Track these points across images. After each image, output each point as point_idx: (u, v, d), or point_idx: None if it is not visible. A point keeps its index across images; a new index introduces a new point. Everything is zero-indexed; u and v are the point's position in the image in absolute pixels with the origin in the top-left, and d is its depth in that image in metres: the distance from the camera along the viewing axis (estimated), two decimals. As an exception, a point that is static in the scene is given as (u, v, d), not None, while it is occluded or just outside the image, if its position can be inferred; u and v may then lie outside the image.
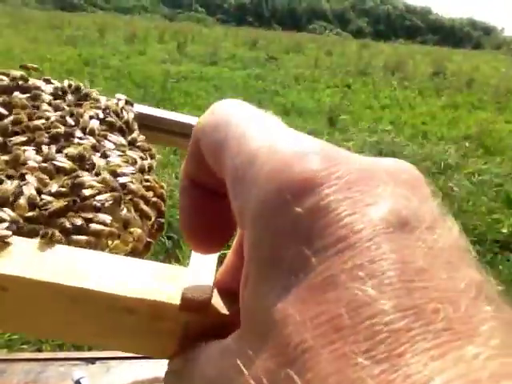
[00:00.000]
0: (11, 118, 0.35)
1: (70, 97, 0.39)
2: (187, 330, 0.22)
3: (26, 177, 0.31)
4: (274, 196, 0.15)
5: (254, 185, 0.15)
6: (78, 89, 0.41)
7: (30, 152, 0.33)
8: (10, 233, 0.25)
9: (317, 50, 11.46)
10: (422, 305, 0.12)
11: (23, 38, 9.48)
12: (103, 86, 5.85)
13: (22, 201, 0.29)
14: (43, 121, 0.35)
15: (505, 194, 3.27)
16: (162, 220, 0.36)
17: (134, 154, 0.37)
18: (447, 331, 0.12)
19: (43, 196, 0.30)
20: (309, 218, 0.14)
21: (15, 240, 0.25)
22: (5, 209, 0.28)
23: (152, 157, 0.39)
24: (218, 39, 11.88)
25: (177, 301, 0.21)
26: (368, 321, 0.12)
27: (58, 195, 0.30)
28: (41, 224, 0.28)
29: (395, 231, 0.13)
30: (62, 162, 0.32)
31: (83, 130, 0.36)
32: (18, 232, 0.27)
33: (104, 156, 0.35)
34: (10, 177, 0.31)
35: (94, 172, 0.33)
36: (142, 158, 0.37)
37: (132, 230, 0.32)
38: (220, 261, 0.24)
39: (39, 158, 0.32)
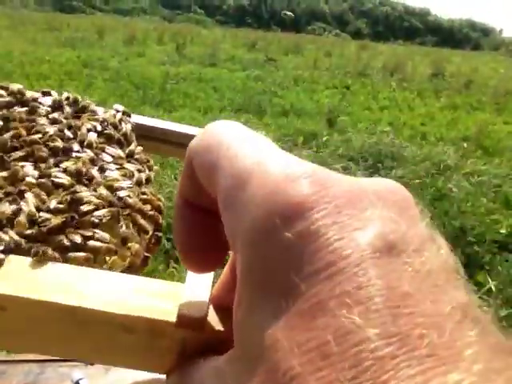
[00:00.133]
0: (10, 132, 0.35)
1: (67, 109, 0.39)
2: (184, 347, 0.22)
3: (25, 195, 0.31)
4: (264, 220, 0.15)
5: (245, 208, 0.16)
6: (75, 101, 0.41)
7: (28, 167, 0.33)
8: (3, 256, 0.25)
9: (316, 52, 11.48)
10: (407, 331, 0.12)
11: (22, 39, 9.48)
12: (102, 87, 5.86)
13: (22, 218, 0.29)
14: (40, 135, 0.35)
15: (503, 195, 3.27)
16: (160, 234, 0.36)
17: (131, 167, 0.37)
18: (431, 357, 0.12)
19: (41, 213, 0.30)
20: (299, 243, 0.14)
21: (13, 259, 0.25)
22: (6, 229, 0.28)
23: (150, 168, 0.39)
24: (216, 41, 11.88)
25: (173, 318, 0.22)
26: (354, 348, 0.12)
27: (56, 211, 0.30)
28: (39, 241, 0.28)
29: (382, 256, 0.14)
30: (61, 177, 0.32)
31: (81, 143, 0.36)
32: (18, 250, 0.27)
33: (102, 170, 0.35)
34: (8, 194, 0.31)
35: (92, 187, 0.33)
36: (139, 171, 0.37)
37: (130, 245, 0.32)
38: (217, 274, 0.24)
39: (37, 174, 0.33)
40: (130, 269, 0.32)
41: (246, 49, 12.55)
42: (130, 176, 0.36)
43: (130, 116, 0.43)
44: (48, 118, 0.38)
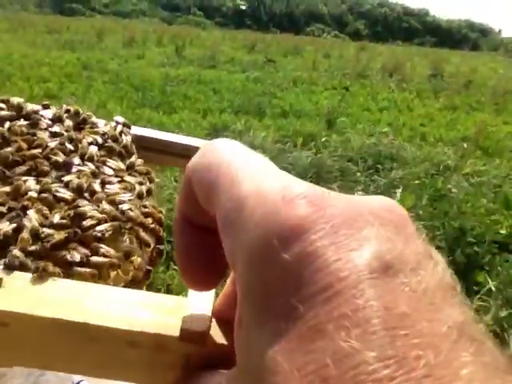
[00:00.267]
0: (11, 146, 0.35)
1: (68, 122, 0.40)
2: (188, 361, 0.22)
3: (28, 212, 0.31)
4: (262, 241, 0.15)
5: (244, 230, 0.16)
6: (76, 114, 0.41)
7: (30, 182, 0.33)
8: (1, 276, 0.25)
9: (315, 53, 11.48)
10: (404, 352, 0.12)
11: (22, 42, 9.49)
12: (102, 89, 5.86)
13: (25, 234, 0.29)
14: (40, 150, 0.35)
15: (503, 196, 3.27)
16: (161, 247, 0.36)
17: (132, 180, 0.37)
18: (428, 378, 0.12)
19: (44, 229, 0.30)
20: (296, 265, 0.14)
21: (15, 275, 0.25)
22: (10, 246, 0.29)
23: (151, 180, 0.40)
24: (216, 43, 11.89)
25: (177, 333, 0.22)
26: (352, 371, 0.12)
27: (59, 227, 0.30)
28: (43, 257, 0.28)
29: (379, 276, 0.14)
30: (63, 192, 0.33)
31: (82, 156, 0.36)
32: (22, 267, 0.27)
33: (103, 183, 0.35)
34: (11, 209, 0.31)
35: (94, 200, 0.33)
36: (140, 183, 0.37)
37: (132, 259, 0.32)
38: (220, 285, 0.25)
39: (40, 188, 0.33)
40: (133, 282, 0.32)
41: (246, 50, 12.56)
42: (131, 189, 0.36)
43: (130, 128, 0.43)
44: (49, 131, 0.38)
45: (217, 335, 0.23)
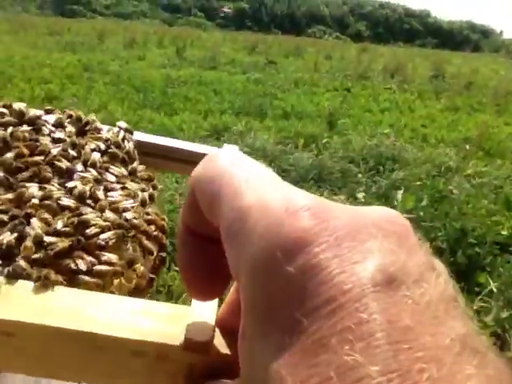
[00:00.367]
0: (13, 152, 0.35)
1: (71, 127, 0.39)
2: (191, 370, 0.22)
3: (31, 220, 0.31)
4: (266, 254, 0.15)
5: (247, 241, 0.16)
6: (79, 119, 0.41)
7: (33, 188, 0.33)
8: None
9: (316, 54, 11.48)
10: (408, 366, 0.12)
11: (23, 44, 9.51)
12: (103, 91, 5.87)
13: (29, 242, 0.29)
14: (43, 157, 0.35)
15: (504, 197, 3.27)
16: (164, 254, 0.36)
17: (134, 186, 0.37)
18: None
19: (47, 238, 0.30)
20: (300, 278, 0.14)
21: (19, 284, 0.25)
22: (14, 255, 0.29)
23: (154, 187, 0.40)
24: (217, 44, 11.91)
25: (180, 342, 0.22)
26: None
27: (62, 234, 0.30)
28: (47, 265, 0.28)
29: (382, 289, 0.14)
30: (66, 200, 0.33)
31: (85, 162, 0.36)
32: (25, 276, 0.27)
33: (106, 190, 0.35)
34: (14, 217, 0.31)
35: (97, 208, 0.33)
36: (142, 190, 0.37)
37: (135, 266, 0.32)
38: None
39: (43, 195, 0.33)
40: (136, 290, 0.32)
41: (247, 52, 12.57)
42: (134, 196, 0.36)
43: (132, 133, 0.43)
44: (51, 136, 0.38)
45: (220, 345, 0.23)
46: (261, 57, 11.00)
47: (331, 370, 0.13)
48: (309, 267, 0.14)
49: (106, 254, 0.31)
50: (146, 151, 0.43)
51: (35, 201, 0.32)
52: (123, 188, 0.36)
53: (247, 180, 0.18)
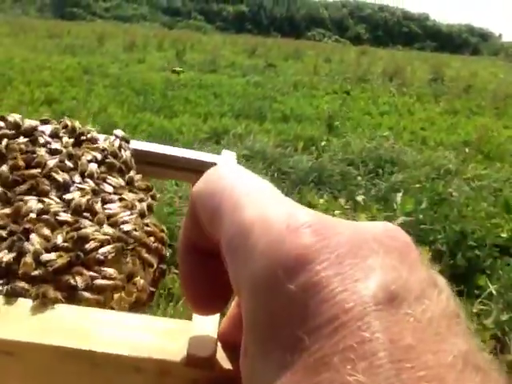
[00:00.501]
0: (8, 164, 0.35)
1: (67, 138, 0.39)
2: None
3: (30, 236, 0.31)
4: (267, 271, 0.15)
5: (249, 258, 0.16)
6: (74, 129, 0.40)
7: (31, 202, 0.33)
8: None
9: (315, 57, 11.52)
10: None
11: (23, 47, 9.52)
12: (102, 94, 5.87)
13: (29, 259, 0.29)
14: (39, 169, 0.35)
15: (504, 199, 3.27)
16: (164, 266, 0.36)
17: (132, 197, 0.37)
18: None
19: (46, 255, 0.30)
20: (302, 296, 0.14)
21: (18, 302, 0.25)
22: (12, 272, 0.28)
23: (153, 196, 0.40)
24: (217, 47, 11.93)
25: (183, 358, 0.22)
26: None
27: (62, 249, 0.30)
28: (46, 281, 0.28)
29: (384, 308, 0.14)
30: (64, 215, 0.32)
31: (82, 173, 0.36)
32: (23, 293, 0.27)
33: (104, 201, 0.35)
34: (12, 233, 0.31)
35: (95, 221, 0.33)
36: (140, 200, 0.37)
37: (135, 280, 0.32)
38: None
39: (41, 208, 0.32)
40: (137, 304, 0.32)
41: (246, 55, 12.59)
42: (132, 207, 0.36)
43: (128, 142, 0.43)
44: (48, 147, 0.37)
45: (223, 359, 0.22)
46: (260, 60, 11.02)
47: None
48: (310, 285, 0.14)
49: (105, 268, 0.30)
50: (143, 159, 0.43)
51: (33, 215, 0.32)
52: (121, 199, 0.36)
53: (248, 194, 0.18)
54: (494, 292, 2.21)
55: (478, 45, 42.76)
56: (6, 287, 0.27)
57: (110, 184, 0.37)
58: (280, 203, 0.17)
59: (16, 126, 0.38)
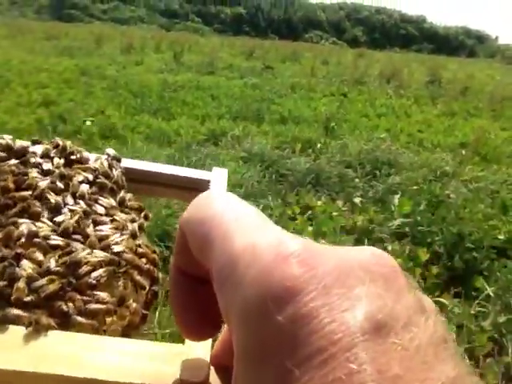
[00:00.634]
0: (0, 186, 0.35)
1: (58, 158, 0.39)
2: None
3: (21, 262, 0.30)
4: (257, 303, 0.15)
5: (239, 288, 0.16)
6: (65, 149, 0.40)
7: (23, 226, 0.33)
8: None
9: (313, 59, 11.52)
10: None
11: (21, 48, 9.51)
12: (100, 96, 5.87)
13: (21, 284, 0.29)
14: (30, 191, 0.35)
15: (501, 201, 3.28)
16: (156, 288, 0.36)
17: (124, 217, 0.37)
18: None
19: (36, 282, 0.30)
20: (291, 327, 0.14)
21: (11, 329, 0.25)
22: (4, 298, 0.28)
23: (146, 216, 0.40)
24: (214, 49, 11.93)
25: (176, 383, 0.22)
26: None
27: (54, 274, 0.30)
28: (39, 307, 0.28)
29: (371, 338, 0.14)
30: (56, 239, 0.32)
31: (73, 194, 0.36)
32: (16, 321, 0.27)
33: (95, 223, 0.35)
34: (3, 259, 0.30)
35: (87, 244, 0.33)
36: (132, 221, 0.37)
37: (128, 303, 0.32)
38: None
39: (33, 231, 0.32)
40: (130, 327, 0.32)
41: (244, 57, 12.60)
42: (123, 228, 0.36)
43: (120, 161, 0.43)
44: (39, 168, 0.37)
45: (216, 382, 0.22)
46: (258, 62, 11.03)
47: None
48: (299, 316, 0.14)
49: (98, 292, 0.31)
50: (134, 177, 0.44)
51: (25, 239, 0.32)
52: (112, 220, 0.36)
53: (237, 221, 0.18)
54: (491, 294, 2.21)
55: (474, 47, 42.90)
56: None
57: (102, 205, 0.37)
58: (269, 231, 0.17)
59: (7, 148, 0.38)
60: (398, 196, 3.25)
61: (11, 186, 0.35)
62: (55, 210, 0.34)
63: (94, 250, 0.32)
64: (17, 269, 0.30)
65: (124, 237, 0.35)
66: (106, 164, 0.41)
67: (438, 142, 5.14)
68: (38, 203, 0.34)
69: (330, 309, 0.14)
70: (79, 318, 0.29)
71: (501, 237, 2.77)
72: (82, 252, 0.32)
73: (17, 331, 0.25)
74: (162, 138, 4.38)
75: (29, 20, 22.69)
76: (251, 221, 0.18)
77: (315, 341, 0.14)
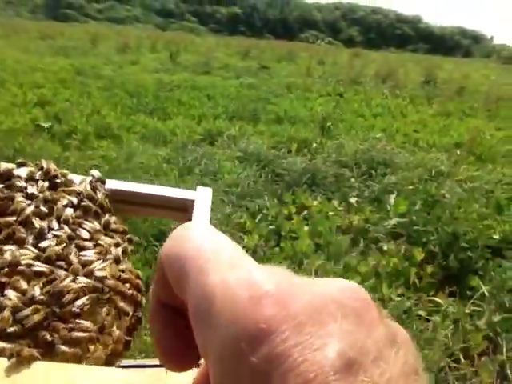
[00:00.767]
0: None
1: (42, 182, 0.39)
2: None
3: (5, 292, 0.30)
4: (232, 344, 0.16)
5: (214, 328, 0.16)
6: (49, 172, 0.40)
7: (7, 253, 0.33)
8: None
9: (309, 59, 11.52)
10: None
11: (15, 48, 9.47)
12: (96, 95, 5.85)
13: (6, 313, 0.29)
14: (15, 217, 0.35)
15: (495, 201, 3.29)
16: (140, 314, 0.36)
17: (108, 241, 0.37)
18: None
19: (21, 313, 0.29)
20: (265, 367, 0.15)
21: None
22: None
23: (130, 240, 0.40)
24: (210, 49, 11.92)
25: None
26: None
27: (39, 303, 0.30)
28: (23, 337, 0.28)
29: (342, 376, 0.14)
30: (40, 266, 0.32)
31: (58, 218, 0.36)
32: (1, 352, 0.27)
33: (79, 248, 0.35)
34: None
35: (70, 271, 0.33)
36: (116, 245, 0.37)
37: (111, 330, 0.32)
38: None
39: (17, 259, 0.32)
40: (113, 355, 0.32)
41: (240, 57, 12.60)
42: (108, 252, 0.36)
43: (104, 183, 0.43)
44: (24, 192, 0.38)
45: None
46: (254, 62, 11.04)
47: None
48: (274, 357, 0.15)
49: (81, 321, 0.31)
50: (120, 198, 0.44)
51: (9, 268, 0.32)
52: (96, 245, 0.36)
53: (213, 257, 0.18)
54: (486, 293, 2.22)
55: (470, 47, 43.04)
56: None
57: (86, 229, 0.37)
58: (243, 268, 0.18)
59: None
60: (393, 196, 3.26)
61: None
62: (40, 235, 0.35)
63: (78, 277, 0.32)
64: (1, 298, 0.30)
65: (107, 262, 0.35)
66: (89, 187, 0.41)
67: (434, 141, 5.16)
68: (22, 229, 0.34)
69: (302, 348, 0.15)
70: (63, 347, 0.29)
71: (495, 236, 2.78)
72: (65, 279, 0.32)
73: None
74: (157, 138, 4.38)
75: (24, 19, 22.59)
76: (227, 255, 0.18)
77: (289, 380, 0.14)
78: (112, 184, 0.44)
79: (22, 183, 0.38)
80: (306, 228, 2.72)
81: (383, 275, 2.30)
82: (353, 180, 3.62)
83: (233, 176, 3.45)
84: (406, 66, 12.41)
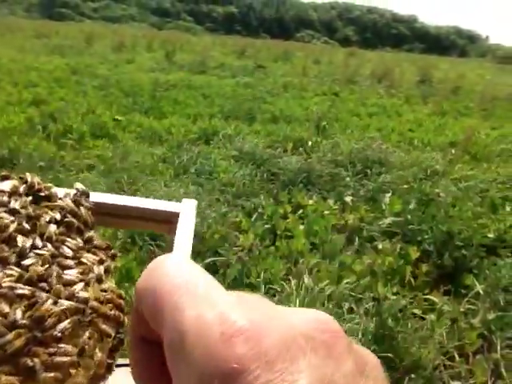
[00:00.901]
0: None
1: (25, 197, 0.39)
2: None
3: None
4: (205, 381, 0.16)
5: (188, 363, 0.17)
6: (33, 186, 0.40)
7: None
8: None
9: (304, 59, 11.55)
10: None
11: (10, 47, 9.44)
12: (91, 94, 5.84)
13: None
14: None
15: (490, 200, 3.31)
16: (122, 336, 0.36)
17: (91, 259, 0.37)
18: None
19: (3, 338, 0.29)
20: None
21: None
22: None
23: (113, 256, 0.39)
24: (206, 48, 11.92)
25: None
26: None
27: (21, 327, 0.30)
28: (4, 363, 0.28)
29: None
30: (22, 288, 0.32)
31: (41, 235, 0.36)
32: None
33: (62, 267, 0.35)
34: None
35: (52, 293, 0.33)
36: (100, 262, 0.37)
37: (93, 353, 0.32)
38: None
39: (0, 279, 0.32)
40: (94, 379, 0.32)
41: (236, 56, 12.59)
42: (90, 271, 0.36)
43: (88, 196, 0.43)
44: (7, 207, 0.37)
45: None
46: (250, 61, 11.04)
47: None
48: None
49: (63, 345, 0.31)
50: (104, 211, 0.44)
51: None
52: (79, 263, 0.36)
53: (189, 290, 0.18)
54: (480, 291, 2.23)
55: (465, 47, 43.18)
56: None
57: (69, 247, 0.37)
58: (217, 302, 0.18)
59: None
60: (388, 195, 3.27)
61: None
62: (22, 253, 0.34)
63: (59, 299, 0.32)
64: None
65: (90, 281, 0.35)
66: (73, 202, 0.41)
67: (429, 141, 5.18)
68: (6, 247, 0.34)
69: None
70: (44, 374, 0.29)
71: (490, 235, 2.80)
72: (46, 302, 0.32)
73: None
74: (153, 137, 4.38)
75: (19, 18, 22.50)
76: (202, 289, 0.19)
77: None
78: (96, 197, 0.44)
79: (5, 198, 0.38)
80: (301, 227, 2.72)
81: (378, 274, 2.31)
82: (348, 179, 3.63)
83: (228, 175, 3.45)
84: (402, 66, 12.44)
